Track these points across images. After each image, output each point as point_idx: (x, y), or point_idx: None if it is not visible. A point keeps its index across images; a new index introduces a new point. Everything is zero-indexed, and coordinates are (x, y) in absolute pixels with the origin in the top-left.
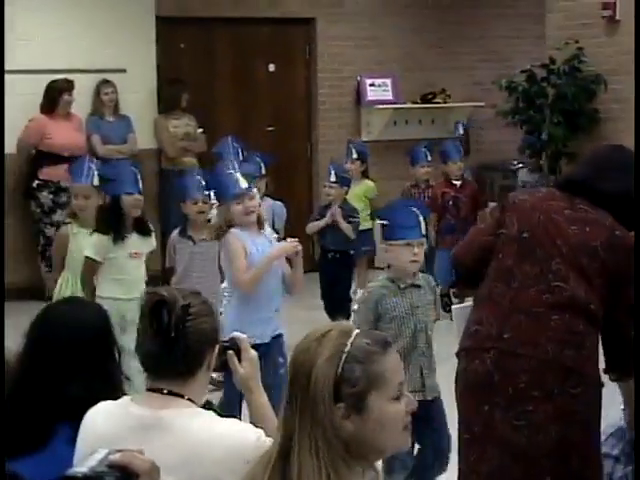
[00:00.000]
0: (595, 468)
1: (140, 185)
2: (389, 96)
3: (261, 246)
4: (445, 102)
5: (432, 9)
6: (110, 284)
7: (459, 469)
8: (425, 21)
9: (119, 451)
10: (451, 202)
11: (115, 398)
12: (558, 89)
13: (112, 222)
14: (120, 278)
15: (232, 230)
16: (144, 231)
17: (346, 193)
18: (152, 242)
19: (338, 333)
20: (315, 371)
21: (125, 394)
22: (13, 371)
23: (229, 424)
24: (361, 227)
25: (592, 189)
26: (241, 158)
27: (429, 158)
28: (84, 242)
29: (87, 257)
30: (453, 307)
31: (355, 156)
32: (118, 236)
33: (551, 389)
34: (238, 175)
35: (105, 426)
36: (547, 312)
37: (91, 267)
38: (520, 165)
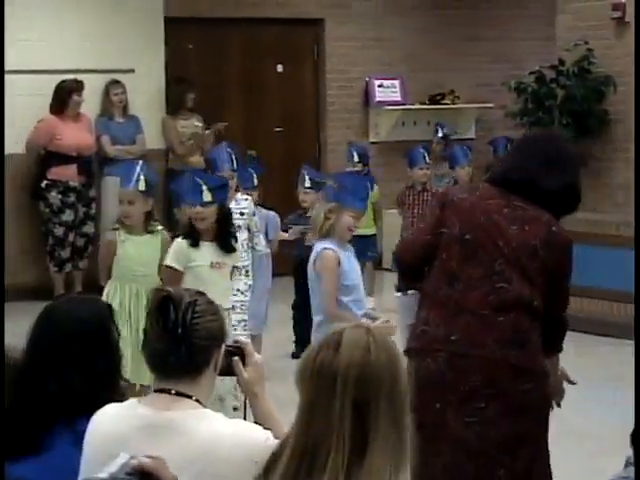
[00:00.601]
0: (544, 459)
1: (204, 197)
2: (397, 97)
3: None
4: (454, 103)
5: (441, 10)
6: None
7: (411, 465)
8: (434, 22)
9: (147, 457)
10: None
11: (111, 396)
12: (567, 90)
13: (188, 229)
14: (201, 290)
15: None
16: (226, 246)
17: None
18: (236, 257)
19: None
20: (401, 375)
21: (123, 393)
22: (16, 371)
23: (237, 424)
24: (365, 232)
25: (535, 187)
26: (235, 167)
27: (427, 160)
28: (141, 249)
29: (167, 266)
30: (397, 295)
31: (356, 159)
32: (194, 243)
33: (501, 387)
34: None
35: (112, 427)
36: (492, 313)
37: (172, 277)
38: None
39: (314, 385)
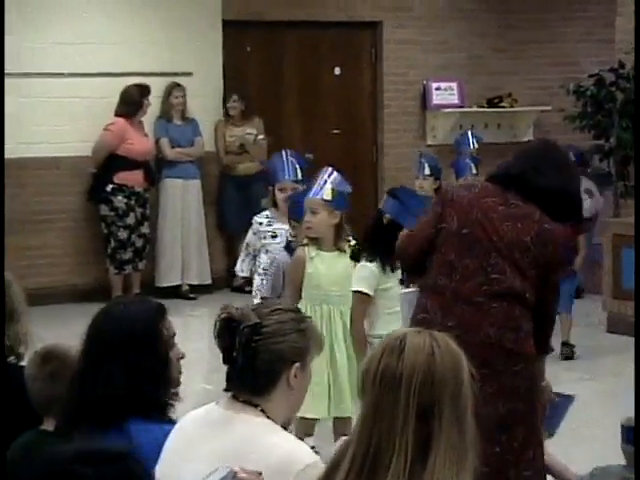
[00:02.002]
0: (537, 434)
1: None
2: (455, 100)
3: None
4: (512, 106)
5: (499, 13)
6: (384, 320)
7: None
8: (491, 25)
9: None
10: None
11: (160, 396)
12: (627, 93)
13: (379, 247)
14: (395, 312)
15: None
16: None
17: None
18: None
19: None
20: (465, 378)
21: (176, 393)
22: (72, 372)
23: (289, 439)
24: None
25: (526, 183)
26: (299, 177)
27: (474, 171)
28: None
29: (357, 292)
30: (400, 291)
31: (428, 172)
32: (387, 263)
33: (497, 368)
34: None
35: (186, 422)
36: (487, 301)
37: (363, 302)
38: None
39: (378, 389)
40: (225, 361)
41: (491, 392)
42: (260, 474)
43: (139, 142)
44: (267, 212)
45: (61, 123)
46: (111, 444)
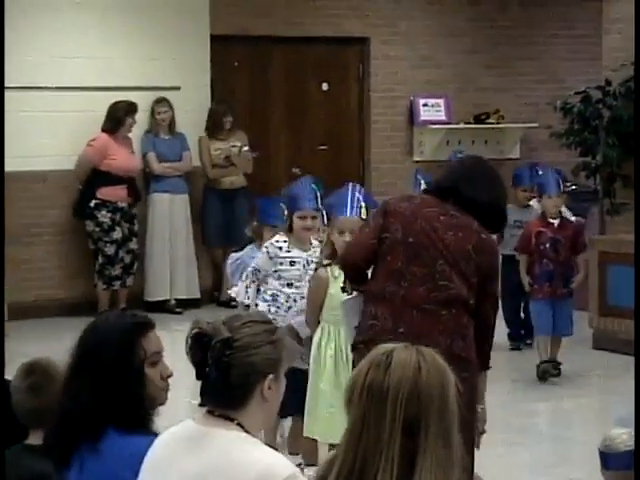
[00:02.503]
0: (471, 440)
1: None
2: (442, 116)
3: None
4: (498, 123)
5: (486, 29)
6: None
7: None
8: (479, 41)
9: None
10: (549, 244)
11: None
12: (614, 111)
13: None
14: None
15: None
16: None
17: None
18: None
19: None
20: (451, 394)
21: (147, 409)
22: (59, 385)
23: (267, 452)
24: None
25: (458, 194)
26: (319, 206)
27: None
28: None
29: None
30: (343, 299)
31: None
32: None
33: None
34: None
35: (161, 440)
36: (436, 308)
37: None
38: (574, 187)
39: (364, 404)
40: (198, 376)
41: None
42: None
43: (123, 158)
44: (280, 237)
45: (48, 137)
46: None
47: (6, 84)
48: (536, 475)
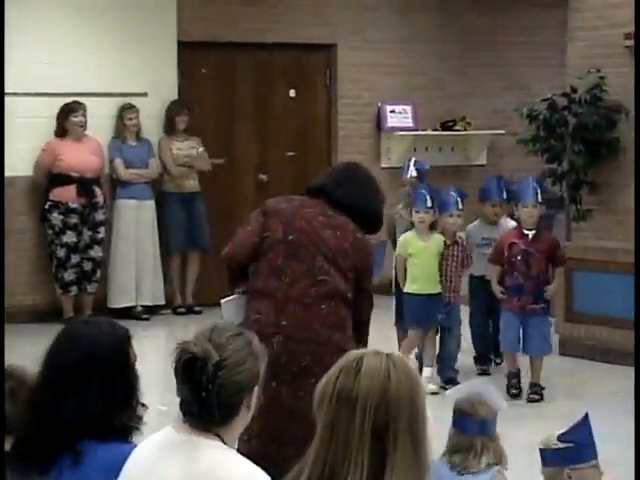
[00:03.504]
0: None
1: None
2: (409, 123)
3: None
4: (465, 129)
5: (451, 36)
6: None
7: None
8: (446, 48)
9: None
10: (520, 257)
11: (127, 420)
12: (579, 118)
13: None
14: None
15: None
16: None
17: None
18: None
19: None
20: (421, 400)
21: (140, 417)
22: (29, 392)
23: (246, 464)
24: (437, 290)
25: (327, 195)
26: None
27: (460, 206)
28: None
29: None
30: (222, 301)
31: (429, 204)
32: None
33: (328, 365)
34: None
35: (143, 447)
36: (316, 302)
37: None
38: None
39: (334, 410)
40: (187, 397)
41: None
42: None
43: (71, 158)
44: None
45: (14, 143)
46: None
47: None
48: None
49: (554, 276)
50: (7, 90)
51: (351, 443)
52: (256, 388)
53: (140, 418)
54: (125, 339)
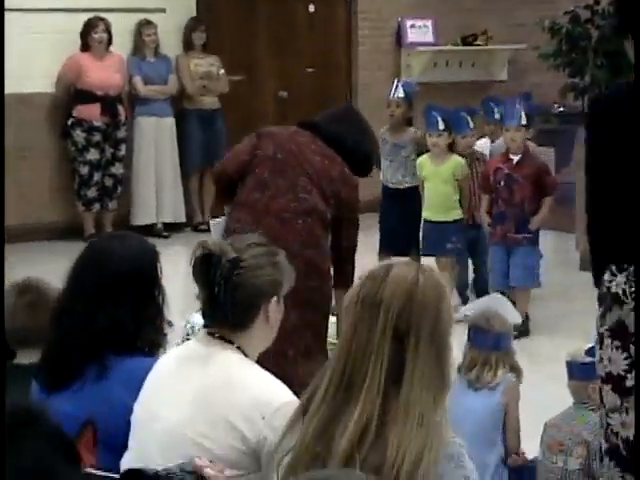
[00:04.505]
0: (323, 342)
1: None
2: (430, 38)
3: None
4: (486, 44)
5: None
6: None
7: None
8: None
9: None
10: (503, 183)
11: (154, 336)
12: (602, 31)
13: None
14: None
15: None
16: None
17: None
18: None
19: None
20: (445, 313)
21: (165, 334)
22: (55, 303)
23: (267, 377)
24: (450, 218)
25: (320, 131)
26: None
27: (471, 125)
28: None
29: None
30: (211, 222)
31: (442, 127)
32: None
33: (295, 282)
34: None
35: (165, 360)
36: (293, 217)
37: None
38: (561, 109)
39: (357, 313)
40: (204, 296)
41: (288, 306)
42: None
43: (96, 75)
44: None
45: (32, 59)
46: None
47: None
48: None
49: (543, 205)
50: (19, 7)
51: (371, 344)
52: (275, 300)
53: (165, 335)
54: (154, 255)
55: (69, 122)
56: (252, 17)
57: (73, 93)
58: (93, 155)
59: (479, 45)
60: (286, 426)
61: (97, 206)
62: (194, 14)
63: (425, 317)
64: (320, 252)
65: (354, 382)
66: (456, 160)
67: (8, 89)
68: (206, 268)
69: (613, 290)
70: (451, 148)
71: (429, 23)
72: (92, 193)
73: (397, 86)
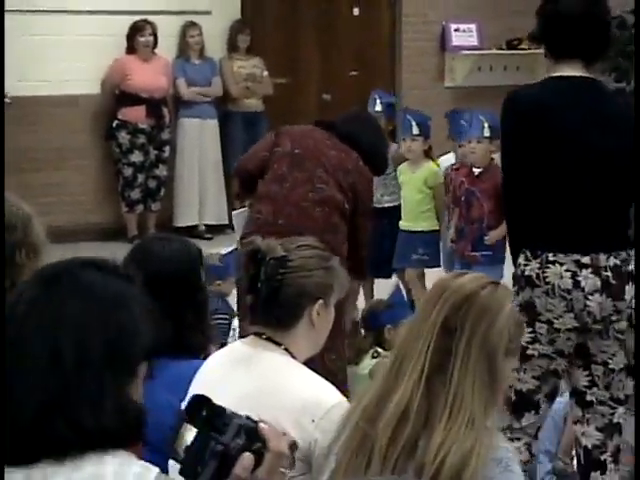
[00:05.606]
0: (340, 325)
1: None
2: (474, 42)
3: None
4: (530, 48)
5: None
6: None
7: None
8: None
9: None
10: (464, 198)
11: (197, 339)
12: None
13: None
14: None
15: None
16: None
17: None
18: None
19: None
20: (501, 327)
21: (209, 337)
22: None
23: (315, 379)
24: (419, 228)
25: (336, 129)
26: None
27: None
28: None
29: None
30: (233, 212)
31: (416, 131)
32: None
33: None
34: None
35: (212, 361)
36: (311, 206)
37: None
38: None
39: (423, 302)
40: (249, 291)
41: None
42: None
43: (141, 78)
44: None
45: (78, 61)
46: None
47: (33, 7)
48: None
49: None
50: (67, 8)
51: (422, 330)
52: (321, 303)
53: (209, 338)
54: (197, 257)
55: (114, 124)
56: (296, 20)
57: (118, 95)
58: (137, 157)
59: (524, 49)
60: (337, 429)
61: (140, 207)
62: (239, 16)
63: (480, 320)
64: (339, 237)
65: (402, 366)
66: (429, 167)
67: (54, 91)
68: (252, 264)
69: (527, 273)
70: (427, 154)
71: (473, 27)
72: (136, 195)
73: (375, 99)
